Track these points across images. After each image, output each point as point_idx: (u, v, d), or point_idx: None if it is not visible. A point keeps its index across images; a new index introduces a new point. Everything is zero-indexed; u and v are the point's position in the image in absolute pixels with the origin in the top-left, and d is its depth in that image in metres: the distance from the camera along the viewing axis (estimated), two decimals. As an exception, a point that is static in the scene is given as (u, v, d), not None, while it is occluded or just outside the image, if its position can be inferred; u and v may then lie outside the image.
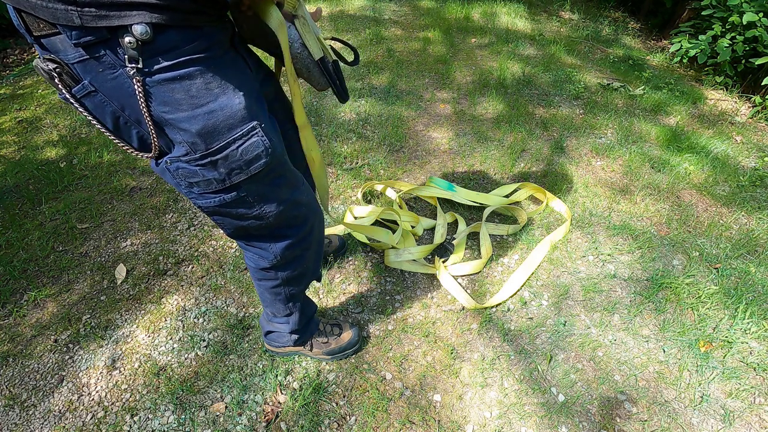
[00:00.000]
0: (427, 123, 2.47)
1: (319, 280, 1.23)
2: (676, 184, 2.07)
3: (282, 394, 1.27)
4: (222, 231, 0.93)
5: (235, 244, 1.71)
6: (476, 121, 2.48)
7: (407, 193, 1.92)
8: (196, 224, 1.81)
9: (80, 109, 0.67)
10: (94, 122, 0.70)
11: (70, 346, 1.38)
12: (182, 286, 1.57)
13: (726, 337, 1.43)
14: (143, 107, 0.66)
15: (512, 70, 3.03)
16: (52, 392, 1.27)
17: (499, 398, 1.27)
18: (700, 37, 2.98)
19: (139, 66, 0.62)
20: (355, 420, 1.22)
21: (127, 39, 0.59)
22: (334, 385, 1.29)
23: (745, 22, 2.68)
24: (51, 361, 1.35)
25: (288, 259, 1.00)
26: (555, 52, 3.33)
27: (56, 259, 1.66)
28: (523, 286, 1.57)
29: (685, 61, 3.12)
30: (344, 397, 1.27)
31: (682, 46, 3.05)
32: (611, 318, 1.49)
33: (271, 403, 1.25)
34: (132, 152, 0.75)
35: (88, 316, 1.47)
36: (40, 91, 2.79)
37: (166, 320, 1.46)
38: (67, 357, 1.35)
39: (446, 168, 2.13)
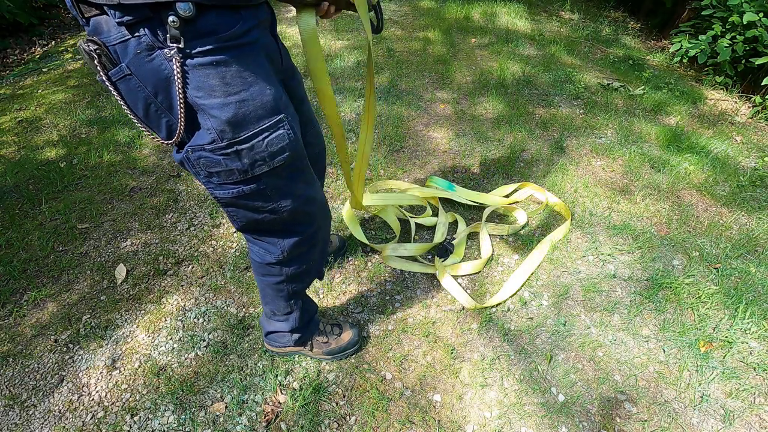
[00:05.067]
0: (427, 123, 2.47)
1: (321, 278, 1.23)
2: (676, 184, 2.07)
3: (282, 394, 1.27)
4: (233, 224, 0.94)
5: (235, 244, 1.72)
6: (476, 121, 2.48)
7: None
8: (196, 224, 1.81)
9: (114, 93, 0.68)
10: (125, 108, 0.70)
11: (70, 346, 1.38)
12: (182, 286, 1.57)
13: (726, 337, 1.43)
14: (179, 89, 0.66)
15: (512, 70, 3.03)
16: (52, 392, 1.27)
17: (499, 398, 1.27)
18: (700, 37, 2.98)
19: (180, 46, 0.62)
20: (355, 420, 1.22)
21: (170, 17, 0.60)
22: (334, 385, 1.29)
23: (745, 22, 2.68)
24: (51, 361, 1.35)
25: (294, 255, 1.00)
26: (555, 52, 3.33)
27: (56, 259, 1.66)
28: (523, 286, 1.57)
29: (685, 61, 3.11)
30: (344, 397, 1.27)
31: (682, 46, 3.05)
32: (611, 318, 1.49)
33: (271, 403, 1.25)
34: (159, 141, 0.75)
35: (88, 316, 1.47)
36: (40, 91, 2.79)
37: (166, 320, 1.46)
38: (67, 357, 1.35)
39: (446, 168, 2.13)
